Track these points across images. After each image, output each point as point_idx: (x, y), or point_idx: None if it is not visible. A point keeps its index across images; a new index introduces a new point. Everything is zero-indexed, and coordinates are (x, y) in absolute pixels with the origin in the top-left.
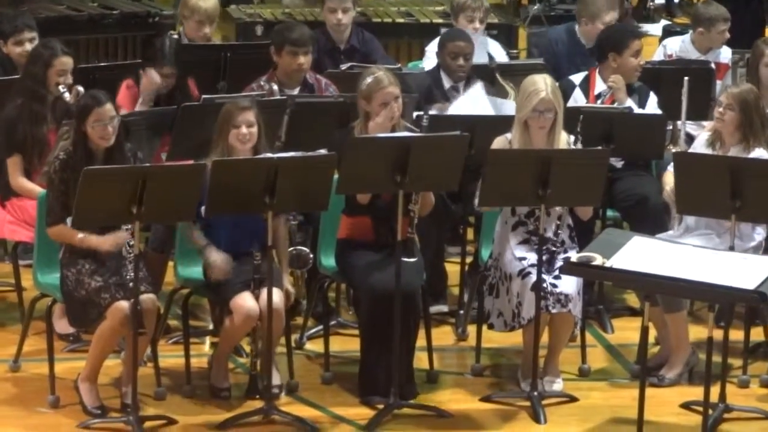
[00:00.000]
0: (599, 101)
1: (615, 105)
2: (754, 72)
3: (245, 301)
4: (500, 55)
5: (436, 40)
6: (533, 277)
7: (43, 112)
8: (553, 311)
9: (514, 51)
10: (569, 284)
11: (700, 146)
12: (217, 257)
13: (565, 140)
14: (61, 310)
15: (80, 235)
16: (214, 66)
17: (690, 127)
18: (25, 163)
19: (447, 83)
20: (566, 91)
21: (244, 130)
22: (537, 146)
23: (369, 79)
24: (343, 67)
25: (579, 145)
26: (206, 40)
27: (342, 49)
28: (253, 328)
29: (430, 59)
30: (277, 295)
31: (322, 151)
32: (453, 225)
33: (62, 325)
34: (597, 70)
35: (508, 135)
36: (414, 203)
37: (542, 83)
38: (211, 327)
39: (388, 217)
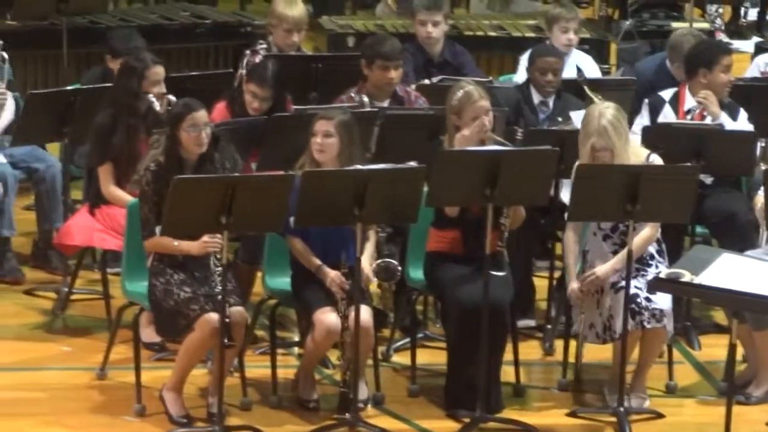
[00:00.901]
0: (689, 117)
1: (706, 120)
2: None
3: (327, 317)
4: (593, 70)
5: (526, 56)
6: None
7: (138, 125)
8: (648, 326)
9: (606, 66)
10: (664, 300)
11: None
12: (335, 276)
13: (640, 157)
14: (148, 318)
15: (176, 243)
16: (305, 77)
17: None
18: (117, 171)
19: (536, 98)
20: (656, 107)
21: (319, 139)
22: None
23: (459, 93)
24: (435, 79)
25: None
26: (295, 48)
27: (435, 62)
28: (343, 342)
29: (523, 71)
30: (366, 313)
31: (412, 164)
32: (542, 239)
33: (148, 334)
34: (687, 86)
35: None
36: (505, 217)
37: (599, 120)
38: (297, 338)
39: (477, 230)
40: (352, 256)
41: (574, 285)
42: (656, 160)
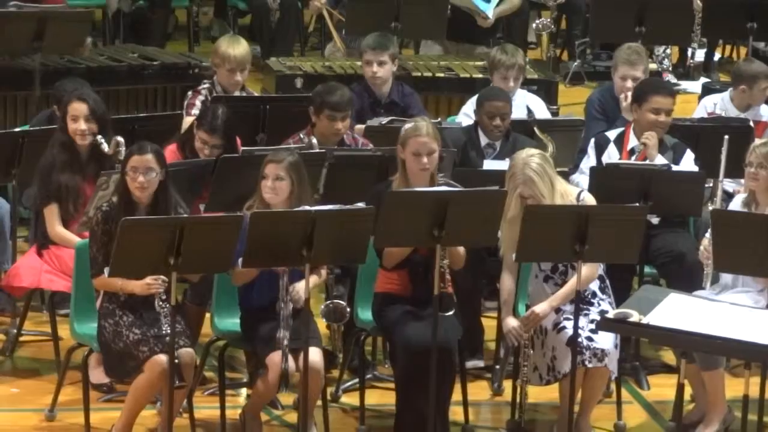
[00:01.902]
0: (633, 157)
1: (646, 162)
2: None
3: (280, 360)
4: (541, 110)
5: (474, 99)
6: (568, 331)
7: (74, 161)
8: (589, 366)
9: (554, 107)
10: (606, 339)
11: (736, 208)
12: (299, 286)
13: (565, 197)
14: (96, 359)
15: (120, 283)
16: (253, 118)
17: (729, 185)
18: (62, 212)
19: (483, 140)
20: (602, 145)
21: (269, 183)
22: None
23: (408, 125)
24: (384, 120)
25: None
26: (239, 88)
27: (382, 103)
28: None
29: (466, 116)
30: (316, 354)
31: (360, 205)
32: (490, 280)
33: (97, 375)
34: (632, 126)
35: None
36: (442, 258)
37: (521, 170)
38: (246, 379)
39: (424, 271)
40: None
41: (510, 322)
42: (587, 197)
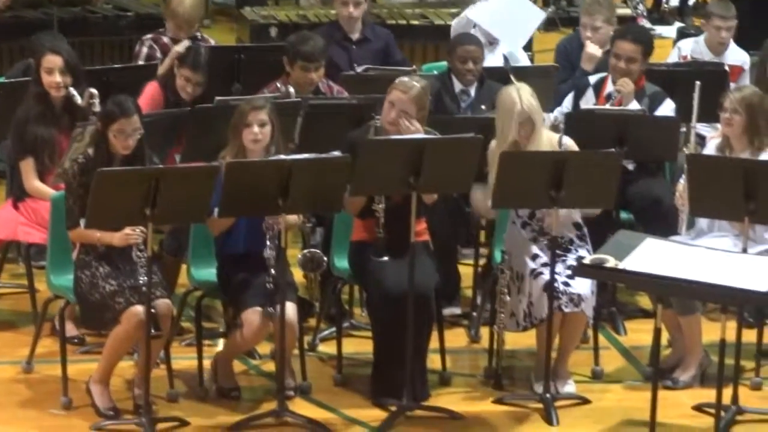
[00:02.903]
0: (609, 103)
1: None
2: (763, 72)
3: (257, 317)
4: (522, 57)
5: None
6: (545, 277)
7: (48, 113)
8: (566, 311)
9: (528, 53)
10: (582, 284)
11: (710, 153)
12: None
13: (549, 141)
14: (70, 313)
15: (98, 234)
16: (228, 68)
17: (704, 129)
18: (38, 165)
19: (457, 87)
20: (581, 89)
21: (255, 129)
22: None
23: (403, 78)
24: (359, 69)
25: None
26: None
27: (354, 39)
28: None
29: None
30: (291, 309)
31: (336, 153)
32: (466, 227)
33: (68, 328)
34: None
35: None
36: (377, 203)
37: (516, 98)
38: (223, 329)
39: (400, 219)
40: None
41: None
42: (568, 142)
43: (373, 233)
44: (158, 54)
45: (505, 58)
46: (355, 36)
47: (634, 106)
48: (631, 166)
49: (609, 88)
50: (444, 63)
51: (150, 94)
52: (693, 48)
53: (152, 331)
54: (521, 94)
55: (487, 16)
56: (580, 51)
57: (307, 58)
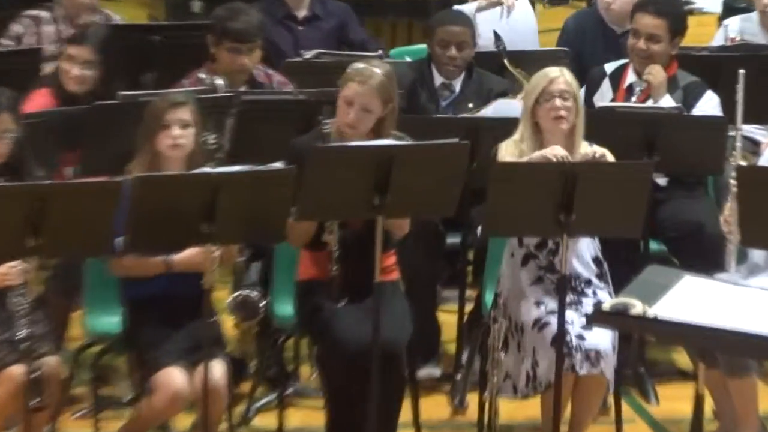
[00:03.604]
0: (633, 98)
1: (648, 104)
2: None
3: (174, 378)
4: (529, 25)
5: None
6: (553, 328)
7: None
8: (581, 372)
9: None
10: (601, 337)
11: (767, 164)
12: (195, 254)
13: (585, 152)
14: None
15: None
16: (137, 54)
17: (759, 132)
18: None
19: (438, 79)
20: (595, 80)
21: (175, 132)
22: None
23: (358, 65)
24: (307, 54)
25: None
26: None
27: (298, 18)
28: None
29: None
30: (218, 370)
31: (278, 165)
32: (449, 262)
33: None
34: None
35: (516, 136)
36: (331, 231)
37: (555, 68)
38: (129, 397)
39: (361, 250)
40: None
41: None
42: (600, 152)
43: (326, 270)
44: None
45: (497, 36)
46: (302, 13)
47: (666, 102)
48: (663, 182)
49: (630, 77)
50: (422, 47)
51: (38, 105)
52: (742, 27)
53: (35, 399)
54: (562, 69)
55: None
56: (596, 30)
57: (236, 38)
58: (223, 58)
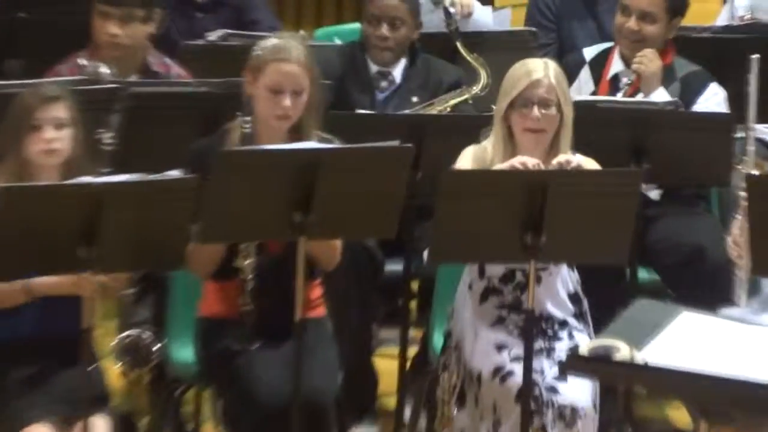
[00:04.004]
0: (619, 93)
1: (638, 98)
2: None
3: None
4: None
5: None
6: (518, 379)
7: None
8: None
9: (487, 7)
10: (579, 390)
11: None
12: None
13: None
14: None
15: None
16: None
17: None
18: None
19: (372, 67)
20: (572, 70)
21: (48, 133)
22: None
23: (267, 43)
24: (211, 37)
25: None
26: None
27: (199, 2)
28: None
29: None
30: (102, 427)
31: (175, 173)
32: (388, 295)
33: None
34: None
35: (486, 144)
36: (243, 256)
37: (540, 64)
38: None
39: (279, 280)
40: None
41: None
42: (582, 161)
43: (237, 305)
44: None
45: (447, 13)
46: None
47: (660, 96)
48: (655, 195)
49: (615, 65)
50: (355, 26)
51: None
52: (754, 3)
53: None
54: (548, 63)
55: None
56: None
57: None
58: (96, 30)
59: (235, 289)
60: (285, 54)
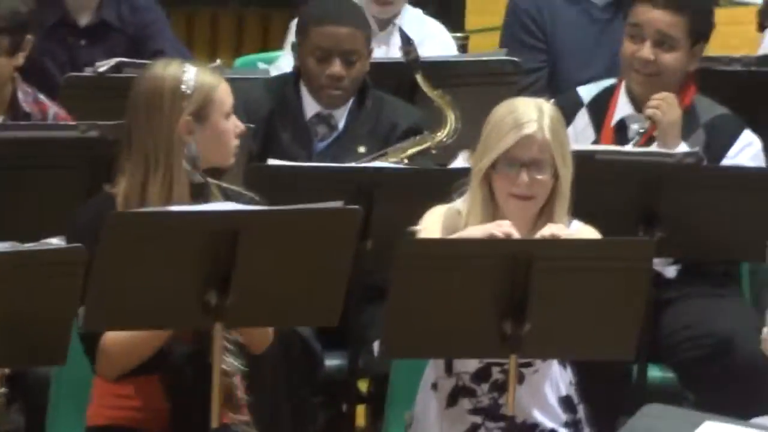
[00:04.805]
0: (631, 143)
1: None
2: None
3: None
4: (441, 41)
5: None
6: None
7: None
8: None
9: (458, 35)
10: None
11: None
12: None
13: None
14: None
15: None
16: None
17: None
18: None
19: (310, 107)
20: (566, 113)
21: None
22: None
23: (164, 68)
24: (102, 66)
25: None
26: None
27: (80, 26)
28: None
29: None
30: None
31: (55, 241)
32: (328, 399)
33: None
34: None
35: (459, 205)
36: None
37: (532, 112)
38: None
39: (194, 377)
40: None
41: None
42: (583, 230)
43: (142, 409)
44: None
45: (405, 38)
46: (85, 19)
47: (681, 148)
48: (671, 272)
49: (622, 107)
50: (280, 54)
51: None
52: None
53: None
54: (543, 109)
55: None
56: (563, 12)
57: None
58: None
59: (139, 388)
60: (211, 80)
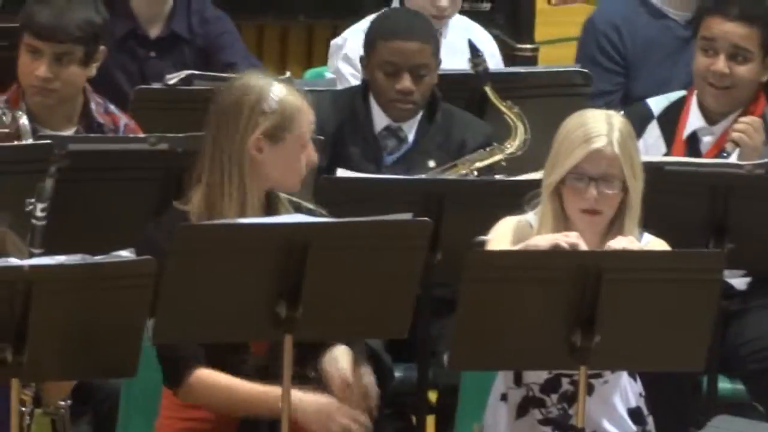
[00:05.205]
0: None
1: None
2: None
3: None
4: (491, 54)
5: (360, 25)
6: None
7: None
8: None
9: (527, 46)
10: None
11: None
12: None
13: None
14: None
15: None
16: None
17: None
18: None
19: (380, 121)
20: (637, 123)
21: None
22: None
23: (252, 80)
24: (172, 80)
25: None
26: None
27: (151, 37)
28: None
29: (346, 67)
30: None
31: (125, 253)
32: (398, 411)
33: None
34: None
35: (530, 217)
36: (311, 369)
37: (602, 125)
38: None
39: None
40: None
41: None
42: (653, 243)
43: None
44: None
45: (473, 49)
46: (156, 31)
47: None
48: (740, 284)
49: (694, 120)
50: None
51: None
52: None
53: None
54: (612, 122)
55: None
56: (644, 32)
57: (38, 32)
58: (21, 63)
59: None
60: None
